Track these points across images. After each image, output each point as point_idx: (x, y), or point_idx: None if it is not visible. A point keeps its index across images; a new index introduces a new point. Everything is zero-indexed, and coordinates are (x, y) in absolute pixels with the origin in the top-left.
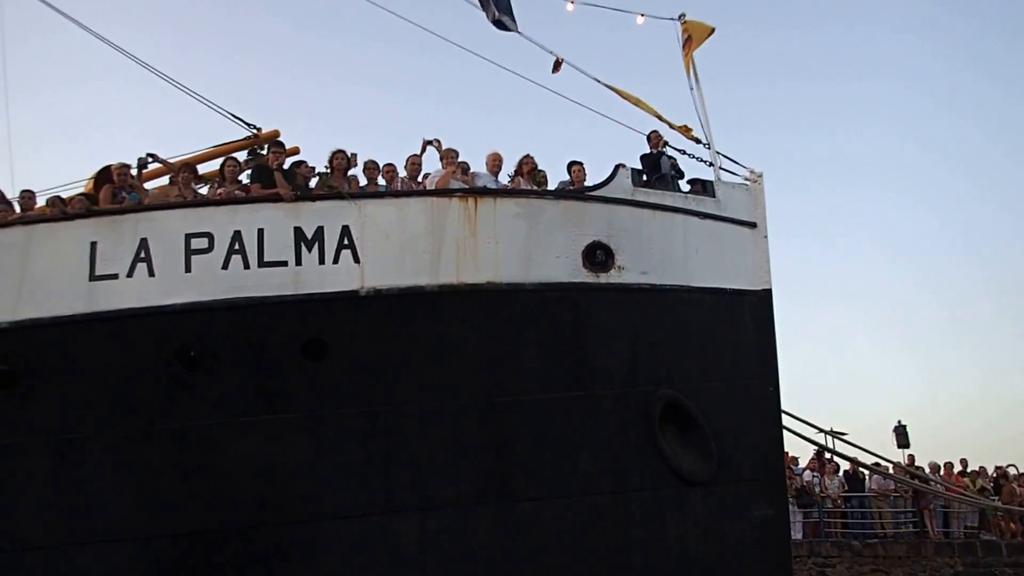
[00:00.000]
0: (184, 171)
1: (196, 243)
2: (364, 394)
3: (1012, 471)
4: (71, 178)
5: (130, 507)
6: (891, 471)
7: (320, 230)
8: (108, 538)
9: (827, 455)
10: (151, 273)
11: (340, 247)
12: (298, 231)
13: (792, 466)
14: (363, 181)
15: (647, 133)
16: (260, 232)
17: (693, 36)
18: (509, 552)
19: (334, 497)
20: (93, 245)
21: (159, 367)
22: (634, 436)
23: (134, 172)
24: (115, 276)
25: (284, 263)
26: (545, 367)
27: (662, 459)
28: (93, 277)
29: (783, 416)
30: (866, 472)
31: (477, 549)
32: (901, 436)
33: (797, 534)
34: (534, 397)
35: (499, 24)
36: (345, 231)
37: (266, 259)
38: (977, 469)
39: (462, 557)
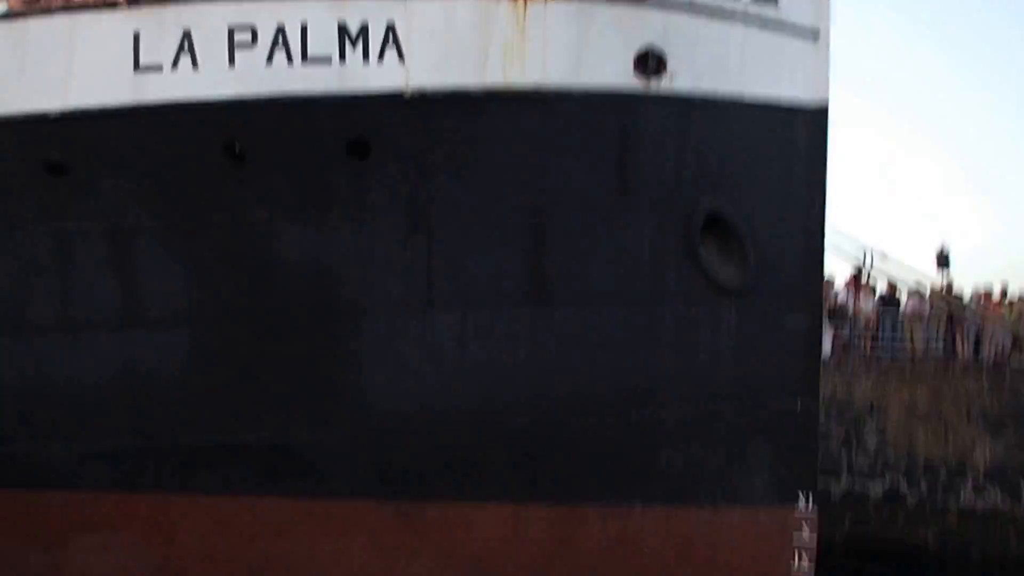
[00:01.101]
0: None
1: (239, 36)
2: (407, 194)
3: None
4: None
5: (183, 294)
6: (929, 294)
7: (364, 26)
8: (162, 322)
9: (864, 275)
10: (195, 65)
11: (385, 45)
12: (342, 27)
13: (828, 284)
14: None
15: None
16: (303, 27)
17: None
18: (545, 354)
19: (376, 293)
20: (136, 35)
21: (205, 160)
22: (674, 246)
23: None
24: (159, 68)
25: (327, 60)
26: (589, 174)
27: (700, 269)
28: (138, 68)
29: (825, 233)
30: (902, 293)
31: (513, 349)
32: (942, 259)
33: (828, 350)
34: (576, 203)
35: None
36: (390, 28)
37: (309, 55)
38: (1018, 296)
39: (499, 356)
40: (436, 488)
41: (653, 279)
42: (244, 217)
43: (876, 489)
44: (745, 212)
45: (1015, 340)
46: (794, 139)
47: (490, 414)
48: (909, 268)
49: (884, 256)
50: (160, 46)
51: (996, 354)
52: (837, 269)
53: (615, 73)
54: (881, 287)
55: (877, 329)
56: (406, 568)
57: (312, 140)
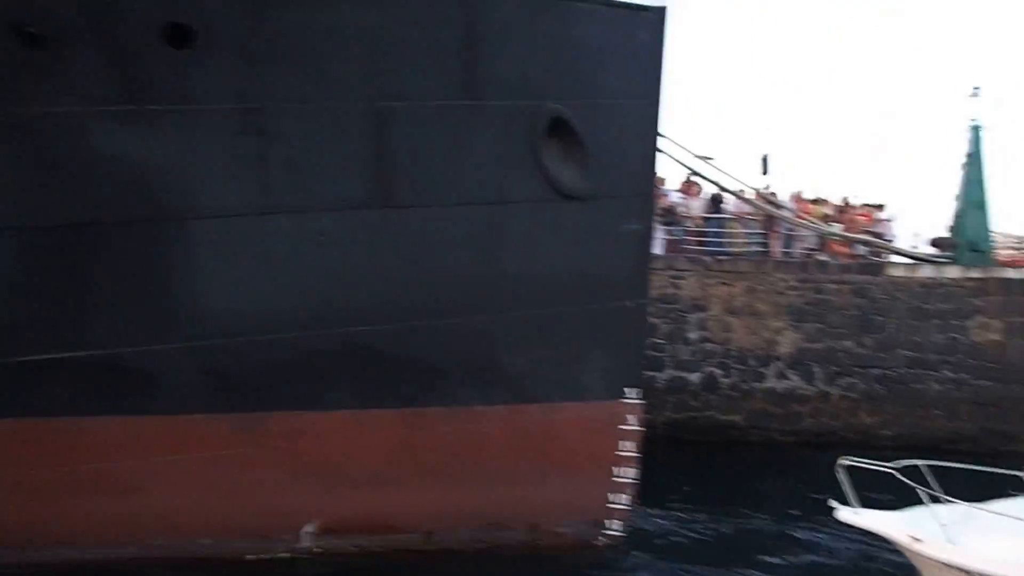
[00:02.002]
0: None
1: None
2: (235, 88)
3: (855, 201)
4: None
5: None
6: (752, 197)
7: None
8: None
9: (693, 178)
10: None
11: None
12: None
13: (660, 187)
14: None
15: None
16: None
17: None
18: (389, 258)
19: (206, 195)
20: None
21: None
22: (518, 149)
23: None
24: None
25: None
26: (434, 72)
27: (543, 173)
28: None
29: (658, 138)
30: (728, 196)
31: (356, 254)
32: (764, 165)
33: (659, 250)
34: (421, 102)
35: None
36: None
37: None
38: (824, 198)
39: (341, 261)
40: (276, 398)
41: (498, 183)
42: (50, 110)
43: (696, 378)
44: (587, 116)
45: (821, 240)
46: (635, 40)
47: (332, 321)
48: (734, 173)
49: (712, 161)
50: None
51: (804, 252)
52: (669, 172)
53: None
54: (709, 190)
55: (703, 228)
56: (248, 480)
57: (121, 24)
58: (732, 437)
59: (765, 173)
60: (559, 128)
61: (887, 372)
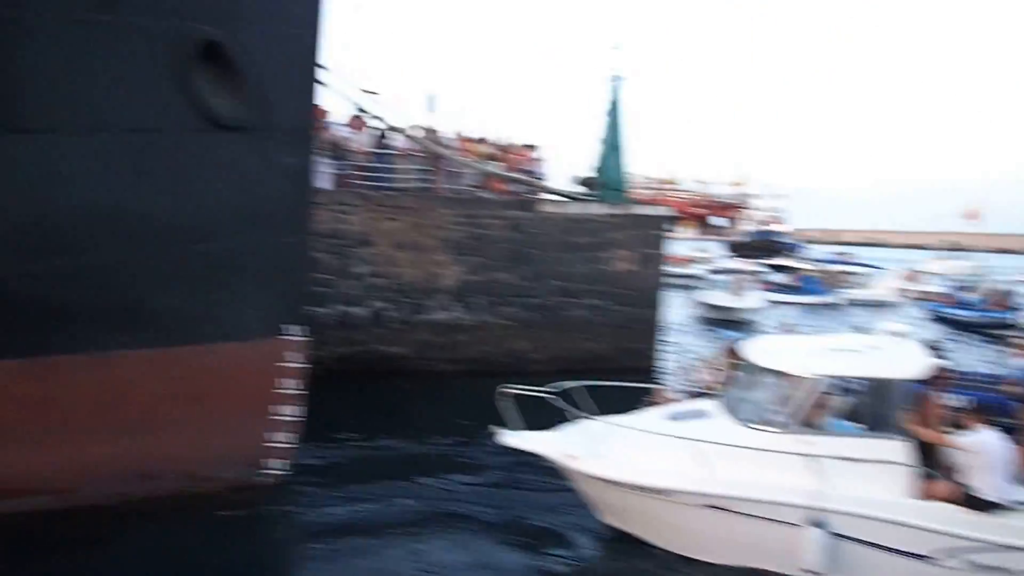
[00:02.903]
0: None
1: None
2: None
3: (513, 142)
4: None
5: None
6: (419, 134)
7: None
8: None
9: (360, 113)
10: None
11: None
12: None
13: (326, 120)
14: None
15: None
16: None
17: None
18: (15, 187)
19: None
20: None
21: None
22: (166, 74)
23: None
24: None
25: None
26: None
27: (196, 101)
28: None
29: (321, 70)
30: (395, 132)
31: None
32: (430, 104)
33: (326, 184)
34: (49, 15)
35: None
36: None
37: None
38: (485, 138)
39: None
40: None
41: (141, 109)
42: None
43: (364, 312)
44: (244, 43)
45: (484, 177)
46: None
47: None
48: (402, 110)
49: (380, 97)
50: None
51: (467, 189)
52: (338, 107)
53: None
54: (377, 126)
55: (371, 163)
56: None
57: None
58: (399, 368)
59: (431, 111)
60: (214, 54)
61: (539, 301)
